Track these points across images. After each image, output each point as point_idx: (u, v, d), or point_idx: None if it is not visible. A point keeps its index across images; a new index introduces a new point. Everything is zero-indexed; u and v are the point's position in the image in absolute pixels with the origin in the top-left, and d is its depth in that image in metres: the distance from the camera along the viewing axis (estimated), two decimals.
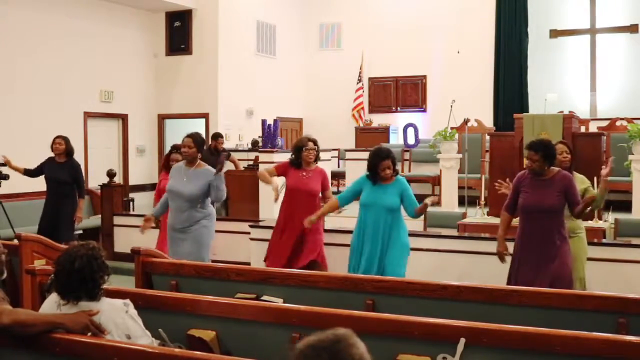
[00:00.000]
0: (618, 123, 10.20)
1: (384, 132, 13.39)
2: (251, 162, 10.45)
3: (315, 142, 6.07)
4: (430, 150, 9.81)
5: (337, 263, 5.96)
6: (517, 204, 4.91)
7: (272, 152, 8.94)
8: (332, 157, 11.18)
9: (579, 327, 2.85)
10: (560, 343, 2.64)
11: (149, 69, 12.62)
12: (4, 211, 7.81)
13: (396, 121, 14.20)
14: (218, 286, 4.07)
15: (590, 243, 5.38)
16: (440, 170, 9.19)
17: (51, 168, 7.43)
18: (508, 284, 4.80)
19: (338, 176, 12.14)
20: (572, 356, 2.63)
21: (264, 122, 9.62)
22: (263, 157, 9.02)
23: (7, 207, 7.90)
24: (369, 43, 14.47)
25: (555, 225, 4.72)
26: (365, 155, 11.25)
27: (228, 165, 10.13)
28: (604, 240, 6.35)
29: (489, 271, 5.89)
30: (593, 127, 10.87)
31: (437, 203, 5.35)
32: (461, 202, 8.73)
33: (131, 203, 11.04)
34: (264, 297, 3.89)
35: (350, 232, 6.07)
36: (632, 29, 12.98)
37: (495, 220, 7.09)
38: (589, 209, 5.07)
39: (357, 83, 14.39)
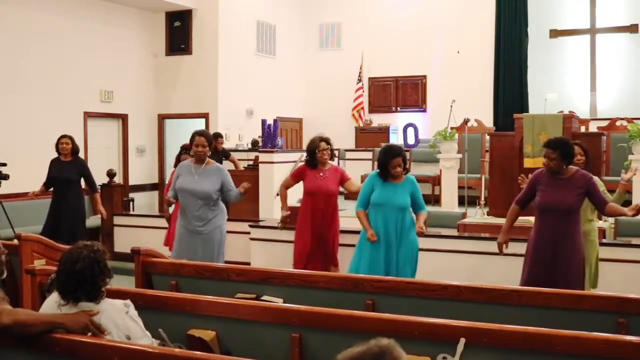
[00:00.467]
0: (618, 123, 10.21)
1: (384, 132, 13.39)
2: (251, 162, 10.45)
3: (328, 141, 6.08)
4: (430, 150, 9.81)
5: (344, 264, 5.98)
6: (529, 201, 4.84)
7: (272, 152, 8.94)
8: None
9: (579, 327, 2.85)
10: (560, 343, 2.64)
11: (149, 69, 12.62)
12: (4, 211, 7.80)
13: (396, 121, 14.20)
14: (218, 286, 4.07)
15: None
16: (440, 170, 9.20)
17: (58, 168, 7.40)
18: (521, 282, 4.77)
19: None
20: (572, 356, 2.63)
21: (264, 122, 9.62)
22: (263, 157, 9.02)
23: (7, 207, 7.90)
24: (369, 43, 14.47)
25: (571, 225, 4.65)
26: (366, 155, 11.43)
27: (228, 165, 10.14)
28: (604, 240, 6.34)
29: (489, 271, 5.90)
30: (593, 127, 10.88)
31: (421, 233, 5.33)
32: (461, 202, 8.74)
33: (131, 203, 11.05)
34: (264, 297, 3.89)
35: (352, 232, 6.10)
36: (632, 29, 12.98)
37: (495, 220, 7.10)
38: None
39: (357, 83, 14.39)
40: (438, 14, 13.95)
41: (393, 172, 5.27)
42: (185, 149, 6.87)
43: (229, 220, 6.01)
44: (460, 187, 8.83)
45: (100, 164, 10.39)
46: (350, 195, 10.91)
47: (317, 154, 6.00)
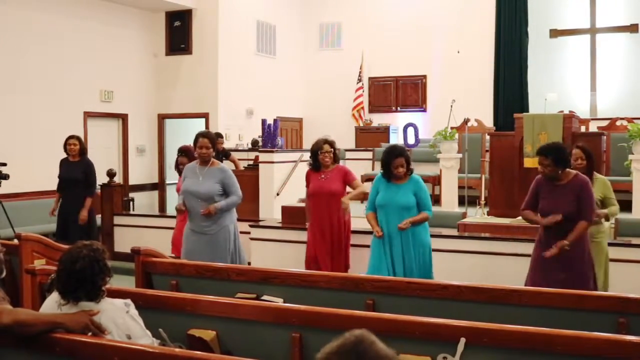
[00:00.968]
0: (618, 123, 10.19)
1: (384, 132, 13.39)
2: (251, 162, 10.45)
3: (332, 144, 6.05)
4: (431, 150, 9.80)
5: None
6: (535, 206, 4.80)
7: (272, 152, 8.94)
8: None
9: (579, 327, 2.85)
10: (560, 343, 2.64)
11: (149, 69, 12.62)
12: (4, 211, 7.80)
13: (396, 121, 14.19)
14: (218, 286, 4.07)
15: None
16: (440, 170, 9.19)
17: (65, 168, 7.39)
18: (526, 284, 4.76)
19: None
20: (572, 356, 2.63)
21: (264, 121, 9.62)
22: (263, 156, 9.03)
23: (7, 207, 7.90)
24: (369, 43, 14.46)
25: (572, 230, 4.59)
26: (366, 154, 11.42)
27: (228, 165, 10.13)
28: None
29: (489, 271, 5.89)
30: (593, 127, 10.86)
31: (401, 228, 5.28)
32: (461, 202, 8.73)
33: (131, 203, 11.04)
34: (264, 297, 3.89)
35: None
36: (632, 28, 12.97)
37: (495, 220, 7.10)
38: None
39: (357, 83, 14.39)
40: (438, 14, 13.95)
41: (395, 173, 5.26)
42: (181, 151, 6.85)
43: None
44: (461, 187, 8.83)
45: (100, 164, 10.34)
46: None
47: (319, 155, 5.97)
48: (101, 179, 8.98)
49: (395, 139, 13.31)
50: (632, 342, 2.59)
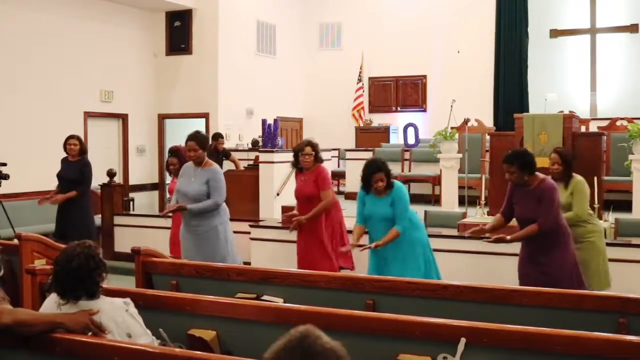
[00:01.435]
0: (618, 123, 10.19)
1: (384, 132, 13.39)
2: (251, 162, 10.45)
3: (314, 147, 5.96)
4: (431, 150, 9.81)
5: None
6: (511, 212, 4.82)
7: (272, 152, 8.94)
8: (332, 157, 11.20)
9: (579, 327, 2.85)
10: (560, 343, 2.64)
11: (149, 69, 12.62)
12: (4, 211, 7.80)
13: (396, 121, 14.20)
14: (218, 286, 4.06)
15: None
16: (441, 170, 9.19)
17: (64, 168, 7.37)
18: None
19: (338, 176, 12.14)
20: (572, 356, 2.62)
21: (264, 122, 9.62)
22: (263, 156, 9.02)
23: (7, 207, 7.90)
24: (369, 43, 14.47)
25: (546, 235, 4.58)
26: (366, 155, 11.42)
27: (228, 165, 10.14)
28: (605, 240, 6.34)
29: (489, 271, 5.90)
30: (593, 127, 10.86)
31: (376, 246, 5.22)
32: (461, 202, 8.74)
33: (131, 203, 11.04)
34: (264, 297, 3.89)
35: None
36: (632, 28, 12.98)
37: None
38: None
39: (357, 83, 14.39)
40: (438, 14, 13.95)
41: (375, 187, 5.19)
42: (171, 152, 6.84)
43: (229, 220, 5.98)
44: (461, 187, 8.83)
45: (100, 164, 10.37)
46: (351, 195, 10.96)
47: (299, 157, 5.95)
48: (101, 179, 8.98)
49: (396, 139, 13.32)
50: (632, 342, 2.59)
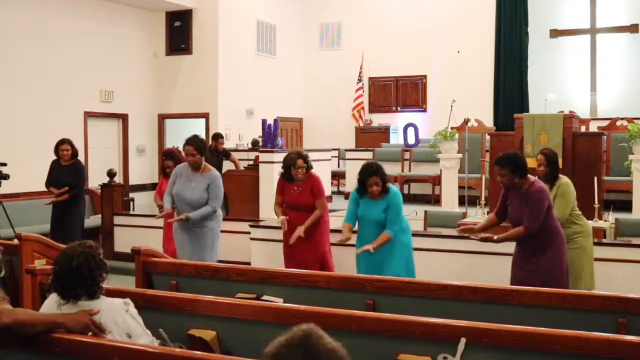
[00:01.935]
0: (618, 123, 10.20)
1: (384, 132, 13.39)
2: (251, 162, 10.46)
3: (305, 159, 5.88)
4: (431, 150, 9.81)
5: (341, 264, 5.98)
6: (504, 213, 4.85)
7: (272, 152, 8.94)
8: (332, 157, 11.20)
9: (579, 327, 2.85)
10: (560, 343, 2.64)
11: (149, 69, 12.62)
12: (4, 211, 7.80)
13: (396, 121, 14.20)
14: (218, 286, 4.06)
15: None
16: (441, 170, 9.19)
17: (58, 172, 7.39)
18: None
19: (338, 176, 12.15)
20: (572, 356, 2.62)
21: (264, 122, 9.62)
22: (263, 156, 9.03)
23: (7, 207, 7.89)
24: (369, 43, 14.47)
25: (537, 236, 4.61)
26: (366, 155, 11.44)
27: (228, 165, 10.14)
28: (604, 240, 6.35)
29: (489, 271, 5.89)
30: (593, 127, 10.87)
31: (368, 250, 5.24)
32: (461, 202, 8.74)
33: (131, 203, 11.04)
34: (264, 297, 3.89)
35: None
36: (632, 29, 12.97)
37: None
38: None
39: (357, 83, 14.39)
40: (438, 14, 13.95)
41: (370, 191, 5.21)
42: (166, 155, 6.83)
43: (229, 220, 6.02)
44: (461, 187, 8.83)
45: (100, 164, 10.40)
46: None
47: (292, 170, 5.86)
48: (101, 179, 8.98)
49: (396, 139, 13.32)
50: (632, 342, 2.59)
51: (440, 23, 13.91)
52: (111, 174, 9.00)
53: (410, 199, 10.34)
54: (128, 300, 2.90)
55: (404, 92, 14.61)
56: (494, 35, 13.79)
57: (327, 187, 9.67)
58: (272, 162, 8.76)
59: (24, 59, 10.10)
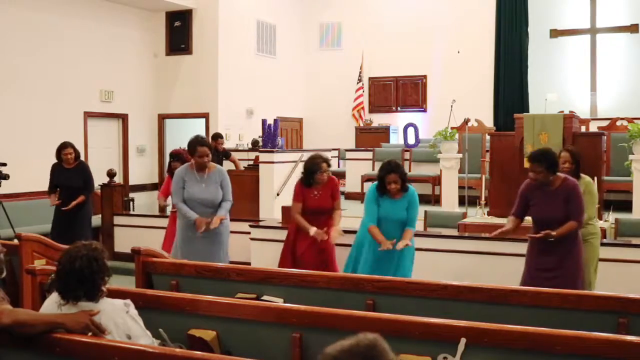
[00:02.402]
0: (618, 123, 10.20)
1: (384, 132, 13.39)
2: (251, 162, 10.45)
3: (329, 163, 5.88)
4: (431, 150, 9.81)
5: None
6: (525, 212, 4.84)
7: (272, 152, 8.94)
8: (332, 157, 11.18)
9: (579, 327, 2.85)
10: (560, 343, 2.64)
11: (149, 69, 12.62)
12: (4, 211, 7.80)
13: (396, 121, 14.20)
14: (218, 286, 4.07)
15: None
16: (441, 170, 9.19)
17: (62, 175, 7.36)
18: (521, 284, 4.77)
19: (338, 176, 12.09)
20: (572, 356, 2.62)
21: (264, 122, 9.62)
22: (263, 157, 9.02)
23: (7, 207, 7.89)
24: (369, 43, 14.47)
25: (566, 238, 4.64)
26: (366, 155, 11.43)
27: (228, 165, 10.14)
28: (604, 240, 6.33)
29: (489, 271, 5.89)
30: (593, 127, 10.87)
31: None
32: (461, 202, 8.73)
33: (131, 203, 11.04)
34: (264, 297, 3.89)
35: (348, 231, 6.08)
36: (632, 29, 12.98)
37: (496, 220, 7.09)
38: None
39: (357, 83, 14.40)
40: (438, 14, 13.95)
41: (389, 189, 5.23)
42: (174, 156, 6.82)
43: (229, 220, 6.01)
44: (461, 187, 8.83)
45: (100, 164, 10.39)
46: (351, 195, 10.96)
47: (317, 174, 5.79)
48: (101, 179, 8.98)
49: (396, 139, 13.32)
50: (632, 342, 2.59)
51: (440, 23, 13.91)
52: (111, 174, 9.00)
53: None
54: (129, 301, 2.90)
55: (404, 92, 14.61)
56: (494, 36, 13.79)
57: None
58: (272, 162, 8.76)
59: (24, 59, 10.10)
